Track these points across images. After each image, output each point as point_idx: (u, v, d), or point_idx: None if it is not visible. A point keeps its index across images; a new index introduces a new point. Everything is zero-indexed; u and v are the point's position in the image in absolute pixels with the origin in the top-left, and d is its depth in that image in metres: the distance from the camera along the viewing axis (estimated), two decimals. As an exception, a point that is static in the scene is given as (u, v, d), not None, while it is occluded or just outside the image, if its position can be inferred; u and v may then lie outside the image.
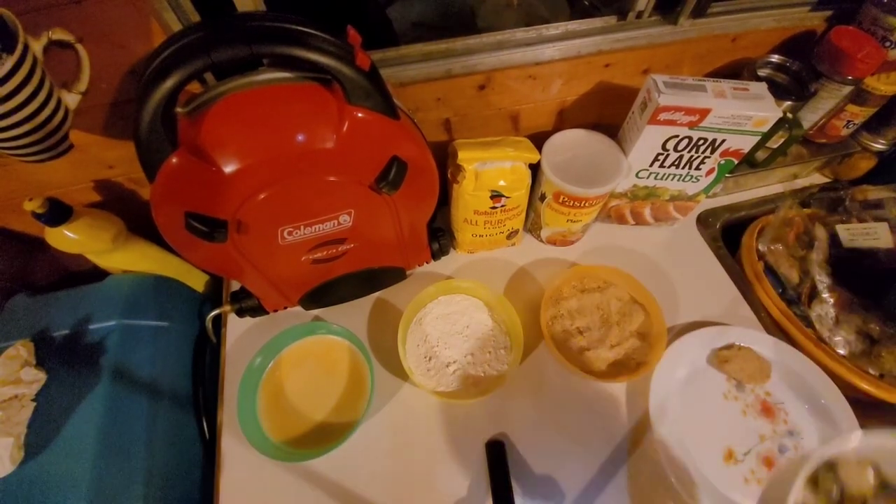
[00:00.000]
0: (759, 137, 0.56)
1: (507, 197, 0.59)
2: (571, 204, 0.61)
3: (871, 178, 0.80)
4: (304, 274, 0.55)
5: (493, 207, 0.60)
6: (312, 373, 0.57)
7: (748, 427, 0.56)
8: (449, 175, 0.60)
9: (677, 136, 0.56)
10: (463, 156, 0.55)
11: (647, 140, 0.57)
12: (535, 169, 0.61)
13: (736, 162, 0.60)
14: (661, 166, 0.61)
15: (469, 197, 0.58)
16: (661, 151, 0.59)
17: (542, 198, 0.63)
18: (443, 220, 0.67)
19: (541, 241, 0.71)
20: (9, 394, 0.48)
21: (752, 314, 0.66)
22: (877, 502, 0.33)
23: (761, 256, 0.69)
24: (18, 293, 0.61)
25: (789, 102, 0.64)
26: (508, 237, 0.68)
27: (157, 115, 0.34)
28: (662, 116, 0.53)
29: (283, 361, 0.58)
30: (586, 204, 0.61)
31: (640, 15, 0.63)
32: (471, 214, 0.61)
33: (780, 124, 0.56)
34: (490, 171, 0.56)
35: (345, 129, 0.39)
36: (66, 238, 0.54)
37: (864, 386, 0.57)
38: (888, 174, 0.77)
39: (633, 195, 0.66)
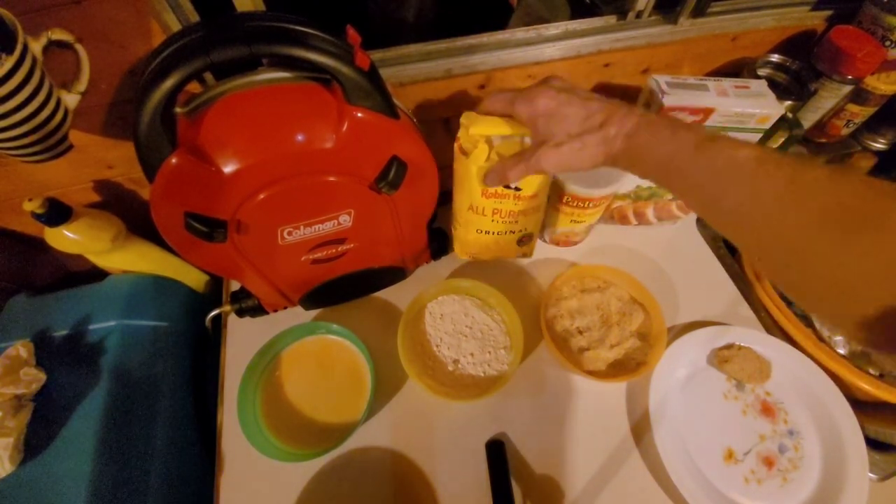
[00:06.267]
0: (761, 135, 0.56)
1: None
2: (576, 205, 0.60)
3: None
4: (304, 274, 0.55)
5: (507, 187, 0.50)
6: (312, 373, 0.57)
7: (748, 427, 0.56)
8: (456, 148, 0.49)
9: (680, 136, 0.56)
10: (476, 130, 0.46)
11: (649, 140, 0.57)
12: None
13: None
14: (663, 166, 0.61)
15: (479, 169, 0.47)
16: (663, 151, 0.59)
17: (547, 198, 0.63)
18: (443, 220, 0.67)
19: (545, 241, 0.71)
20: (9, 394, 0.48)
21: (752, 314, 0.65)
22: None
23: (761, 256, 0.69)
24: (18, 293, 0.61)
25: (789, 102, 0.64)
26: (520, 242, 0.60)
27: (156, 115, 0.34)
28: (667, 117, 0.53)
29: (283, 361, 0.57)
30: (591, 205, 0.60)
31: (639, 14, 0.63)
32: (478, 198, 0.51)
33: (780, 123, 0.56)
34: (507, 144, 0.46)
35: (344, 128, 0.39)
36: (65, 238, 0.54)
37: (864, 386, 0.57)
38: (888, 174, 0.77)
39: (636, 195, 0.66)
